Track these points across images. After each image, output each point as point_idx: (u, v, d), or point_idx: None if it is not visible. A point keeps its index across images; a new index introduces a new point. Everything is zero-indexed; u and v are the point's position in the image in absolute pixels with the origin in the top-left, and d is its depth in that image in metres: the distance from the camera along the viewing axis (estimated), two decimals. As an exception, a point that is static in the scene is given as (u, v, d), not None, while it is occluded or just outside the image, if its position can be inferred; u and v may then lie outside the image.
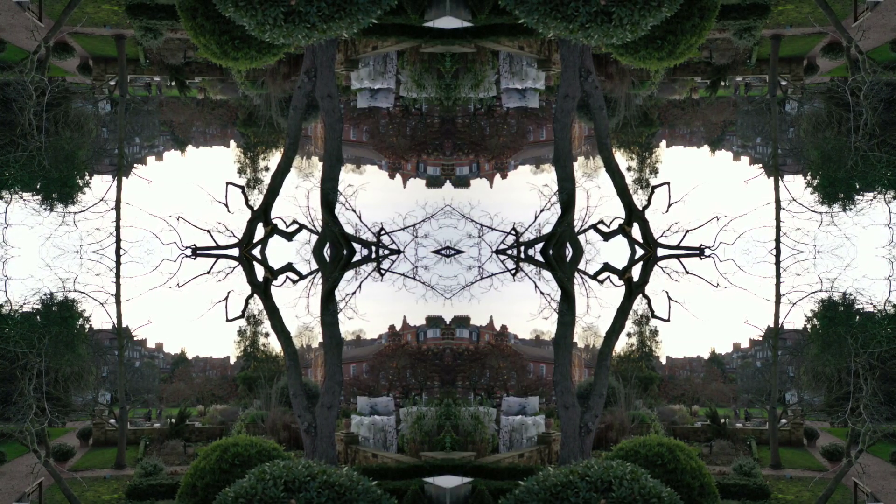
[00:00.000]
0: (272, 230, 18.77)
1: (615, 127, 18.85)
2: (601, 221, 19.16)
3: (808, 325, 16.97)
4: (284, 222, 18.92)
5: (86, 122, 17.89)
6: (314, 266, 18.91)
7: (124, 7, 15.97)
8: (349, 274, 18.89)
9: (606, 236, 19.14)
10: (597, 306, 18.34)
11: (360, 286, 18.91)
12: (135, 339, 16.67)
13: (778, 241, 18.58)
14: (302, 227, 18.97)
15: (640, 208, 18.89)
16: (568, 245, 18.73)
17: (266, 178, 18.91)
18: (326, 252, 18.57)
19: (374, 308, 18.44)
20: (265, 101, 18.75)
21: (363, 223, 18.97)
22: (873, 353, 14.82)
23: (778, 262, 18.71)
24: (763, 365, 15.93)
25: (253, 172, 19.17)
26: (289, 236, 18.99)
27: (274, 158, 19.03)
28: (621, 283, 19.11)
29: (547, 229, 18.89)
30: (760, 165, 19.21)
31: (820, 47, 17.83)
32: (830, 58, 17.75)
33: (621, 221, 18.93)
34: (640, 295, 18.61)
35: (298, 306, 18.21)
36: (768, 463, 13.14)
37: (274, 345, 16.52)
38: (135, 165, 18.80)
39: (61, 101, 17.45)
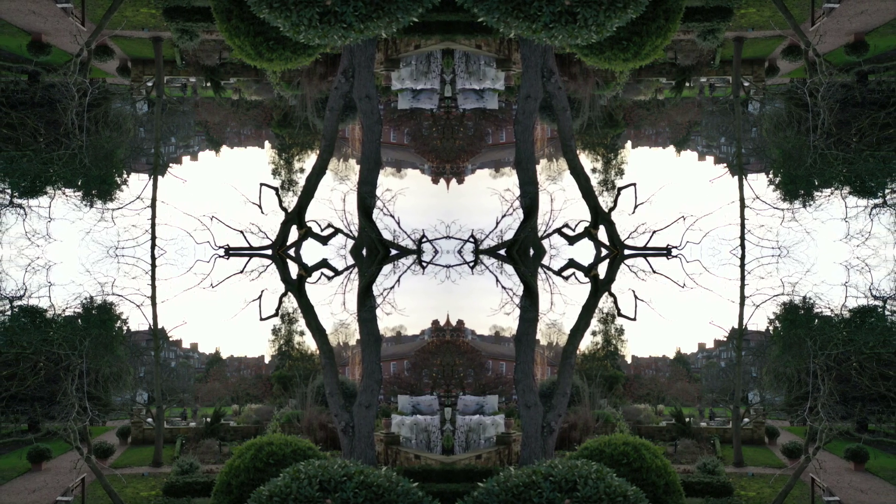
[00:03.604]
0: (306, 233, 18.57)
1: (579, 128, 18.86)
2: (566, 225, 19.10)
3: (771, 327, 17.20)
4: (319, 226, 18.72)
5: (124, 122, 18.48)
6: (350, 262, 18.66)
7: (161, 10, 16.30)
8: (387, 268, 18.55)
9: (572, 240, 19.04)
10: (561, 303, 18.24)
11: (398, 280, 18.60)
12: (170, 339, 16.75)
13: (742, 238, 18.86)
14: (337, 231, 18.75)
15: (606, 210, 18.92)
16: (531, 250, 18.59)
17: (301, 180, 18.82)
18: (363, 253, 18.33)
19: (416, 303, 18.10)
20: (301, 102, 18.69)
21: (402, 229, 18.69)
22: (830, 355, 15.09)
23: (743, 262, 18.96)
24: (727, 365, 16.06)
25: (287, 174, 19.11)
26: (323, 240, 18.79)
27: (309, 160, 18.94)
28: (587, 280, 19.09)
29: (509, 235, 18.62)
30: (725, 165, 19.44)
31: (780, 50, 18.11)
32: (790, 60, 18.06)
33: (587, 224, 18.92)
34: (606, 293, 18.63)
35: (334, 303, 18.01)
36: (731, 461, 13.24)
37: (309, 343, 16.27)
38: (170, 165, 19.08)
39: (102, 101, 18.10)
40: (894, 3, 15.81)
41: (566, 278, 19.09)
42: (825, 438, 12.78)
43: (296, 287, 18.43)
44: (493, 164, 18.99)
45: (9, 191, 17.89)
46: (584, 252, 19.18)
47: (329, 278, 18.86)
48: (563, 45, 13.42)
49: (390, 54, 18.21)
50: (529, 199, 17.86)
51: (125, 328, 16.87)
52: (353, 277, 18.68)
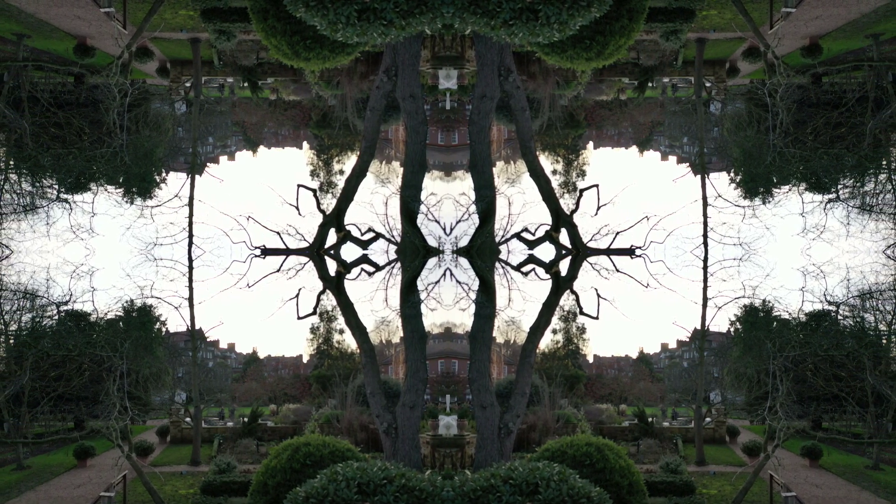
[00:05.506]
0: (345, 236, 18.14)
1: (539, 129, 18.67)
2: (525, 229, 18.83)
3: (732, 329, 17.38)
4: (359, 229, 18.31)
5: (163, 122, 18.88)
6: (392, 256, 18.26)
7: (199, 12, 16.38)
8: (432, 262, 18.01)
9: (532, 244, 18.74)
10: (520, 300, 17.97)
11: (444, 275, 18.14)
12: (208, 340, 16.90)
13: (706, 236, 19.01)
14: (379, 235, 18.29)
15: (568, 213, 18.77)
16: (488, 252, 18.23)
17: (340, 182, 18.46)
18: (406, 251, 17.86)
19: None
20: (340, 102, 18.33)
21: (447, 235, 18.08)
22: (788, 357, 15.38)
23: (706, 262, 19.09)
24: (690, 365, 16.14)
25: (326, 175, 18.82)
26: (363, 244, 18.35)
27: (349, 162, 18.59)
28: (547, 276, 18.88)
29: (464, 242, 18.03)
30: (688, 164, 19.54)
31: (740, 51, 18.29)
32: (750, 61, 18.23)
33: (548, 228, 18.69)
34: (568, 290, 18.48)
35: (375, 300, 17.69)
36: (694, 460, 13.26)
37: (349, 341, 16.02)
38: (208, 164, 19.25)
39: (142, 101, 18.53)
40: (846, 9, 16.10)
41: (525, 275, 18.85)
42: (783, 437, 12.92)
43: (334, 284, 18.17)
44: (443, 166, 18.41)
45: (56, 186, 18.49)
46: (545, 254, 18.97)
47: (370, 274, 18.53)
48: (524, 42, 13.18)
49: (437, 51, 17.48)
50: (486, 203, 17.41)
51: (164, 330, 17.15)
52: (396, 273, 18.26)
